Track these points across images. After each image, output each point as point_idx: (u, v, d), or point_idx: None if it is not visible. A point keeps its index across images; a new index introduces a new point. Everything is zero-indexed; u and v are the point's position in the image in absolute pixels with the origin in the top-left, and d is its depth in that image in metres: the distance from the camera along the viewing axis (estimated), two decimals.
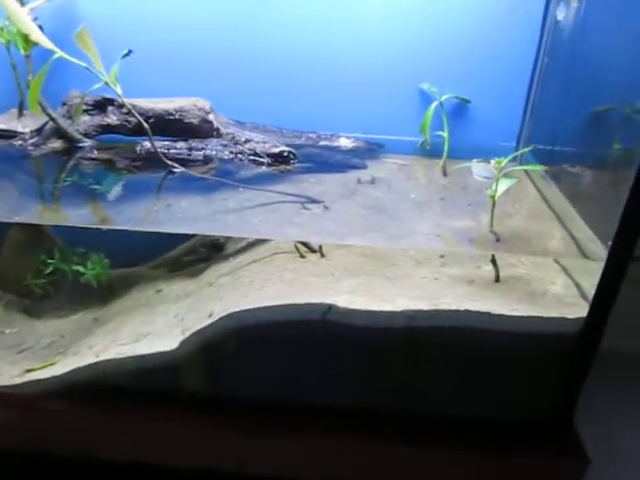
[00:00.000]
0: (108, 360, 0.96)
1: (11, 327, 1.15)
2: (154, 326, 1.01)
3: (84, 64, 0.98)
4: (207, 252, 1.17)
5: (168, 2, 1.18)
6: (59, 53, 0.98)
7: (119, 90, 1.01)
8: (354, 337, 0.87)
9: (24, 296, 1.20)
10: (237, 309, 0.89)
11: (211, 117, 1.17)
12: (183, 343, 0.92)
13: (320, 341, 0.89)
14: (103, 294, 1.19)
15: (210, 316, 0.93)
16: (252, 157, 1.12)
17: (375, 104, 1.23)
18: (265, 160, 1.11)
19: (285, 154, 1.11)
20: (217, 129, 1.17)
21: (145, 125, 1.05)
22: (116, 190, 1.05)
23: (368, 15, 1.17)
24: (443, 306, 0.86)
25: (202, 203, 1.03)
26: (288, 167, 1.12)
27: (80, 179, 1.07)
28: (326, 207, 0.99)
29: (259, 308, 0.88)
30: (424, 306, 0.86)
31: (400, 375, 0.90)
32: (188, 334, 0.93)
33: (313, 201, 1.00)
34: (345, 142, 1.20)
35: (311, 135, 1.22)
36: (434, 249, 1.00)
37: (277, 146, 1.12)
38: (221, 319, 0.89)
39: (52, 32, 1.07)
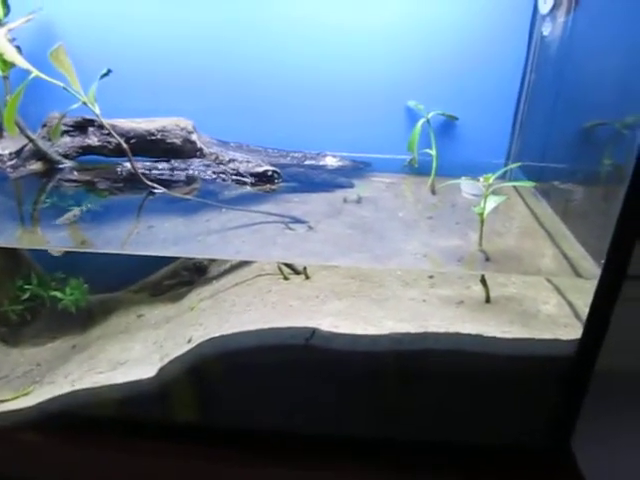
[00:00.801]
0: (83, 389, 0.91)
1: None
2: (132, 353, 0.96)
3: (61, 84, 0.95)
4: (190, 275, 1.13)
5: (148, 22, 1.16)
6: (35, 72, 0.95)
7: (97, 110, 0.98)
8: (339, 362, 0.83)
9: (0, 323, 1.15)
10: (217, 334, 0.85)
11: (194, 137, 1.14)
12: (161, 370, 0.87)
13: (304, 367, 0.84)
14: (82, 320, 1.14)
15: (189, 342, 0.89)
16: (235, 177, 1.09)
17: (361, 122, 1.20)
18: (249, 180, 1.08)
19: (269, 173, 1.07)
20: (200, 149, 1.14)
21: (124, 146, 1.01)
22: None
23: (354, 33, 1.15)
24: (432, 328, 0.82)
25: (184, 224, 0.99)
26: (272, 187, 1.08)
27: (59, 201, 1.04)
28: (310, 227, 0.95)
29: (240, 333, 0.84)
30: (412, 329, 0.82)
31: (387, 401, 0.85)
32: (166, 361, 0.88)
33: (297, 221, 0.97)
34: (331, 161, 1.17)
35: (296, 154, 1.19)
36: (421, 269, 0.97)
37: (261, 165, 1.09)
38: (200, 345, 0.85)
39: (32, 53, 1.05)
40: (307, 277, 0.96)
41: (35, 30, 1.15)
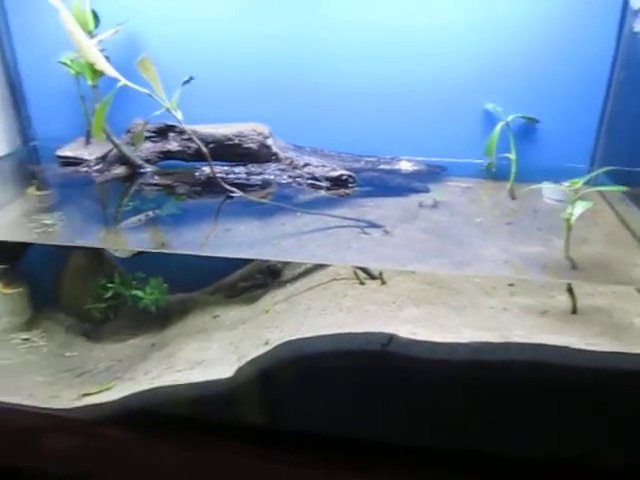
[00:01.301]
0: (162, 387, 0.93)
1: (71, 350, 1.15)
2: (209, 352, 0.97)
3: (147, 91, 0.98)
4: (264, 278, 1.14)
5: (224, 31, 1.18)
6: (123, 81, 0.98)
7: (180, 116, 1.00)
8: (416, 370, 0.80)
9: (85, 320, 1.20)
10: (293, 337, 0.84)
11: (270, 142, 1.14)
12: (238, 371, 0.88)
13: (379, 373, 0.83)
14: (161, 319, 1.17)
15: (266, 344, 0.89)
16: (310, 181, 1.08)
17: (436, 126, 1.18)
18: (324, 184, 1.08)
19: (344, 177, 1.06)
20: (275, 154, 1.15)
21: (204, 149, 1.03)
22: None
23: (430, 34, 1.13)
24: (513, 338, 0.79)
25: (259, 227, 1.00)
26: (347, 191, 1.07)
27: (141, 204, 1.07)
28: (386, 231, 0.94)
29: (316, 337, 0.83)
30: (492, 338, 0.79)
31: (465, 413, 0.82)
32: (243, 362, 0.88)
33: (373, 225, 0.95)
34: (406, 165, 1.15)
35: (370, 159, 1.18)
36: (503, 276, 0.93)
37: (336, 170, 1.08)
38: (277, 347, 0.85)
39: (119, 62, 1.09)
40: (383, 282, 0.95)
41: (121, 41, 1.19)
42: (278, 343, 0.85)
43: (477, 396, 0.81)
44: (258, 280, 1.14)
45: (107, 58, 1.11)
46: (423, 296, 0.91)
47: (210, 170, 1.07)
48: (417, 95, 1.16)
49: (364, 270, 0.97)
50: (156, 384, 0.94)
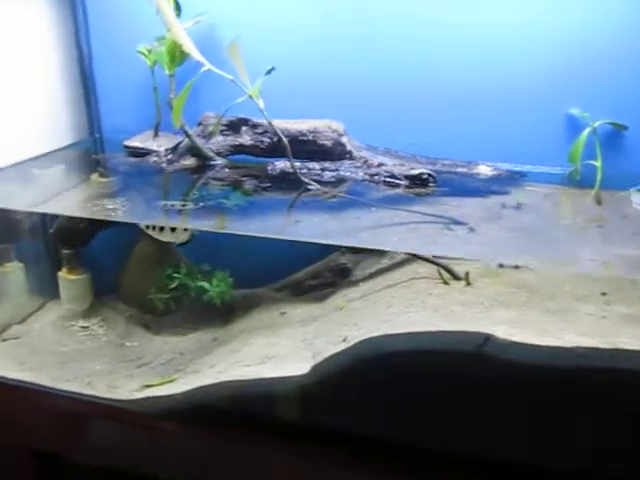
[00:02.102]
0: (230, 381, 0.87)
1: (131, 340, 1.10)
2: (279, 349, 0.92)
3: (230, 77, 0.95)
4: (332, 277, 1.08)
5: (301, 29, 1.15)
6: (207, 65, 0.96)
7: (261, 104, 0.96)
8: (514, 374, 0.73)
9: (145, 311, 1.16)
10: (375, 334, 0.78)
11: (344, 139, 1.10)
12: (315, 368, 0.81)
13: (472, 376, 0.76)
14: (223, 314, 1.12)
15: (344, 341, 0.83)
16: (388, 179, 1.03)
17: (515, 131, 1.12)
18: (402, 182, 1.02)
19: (424, 176, 1.01)
20: (350, 152, 1.10)
21: (285, 141, 0.99)
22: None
23: (510, 35, 1.08)
24: (622, 346, 0.71)
25: (333, 220, 0.95)
26: (426, 190, 1.02)
27: (211, 194, 1.03)
28: (471, 229, 0.88)
29: (402, 334, 0.77)
30: (598, 344, 0.72)
31: (569, 426, 0.75)
32: (320, 359, 0.82)
33: (456, 222, 0.90)
34: (484, 169, 1.09)
35: (446, 162, 1.12)
36: (614, 276, 0.86)
37: (414, 168, 1.03)
38: (358, 344, 0.79)
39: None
40: (468, 283, 0.88)
41: (198, 33, 1.16)
42: (359, 340, 0.79)
43: (582, 406, 0.73)
44: (327, 279, 1.09)
45: None
46: (513, 299, 0.84)
47: (286, 164, 1.03)
48: (498, 99, 1.10)
49: (448, 270, 0.91)
50: (223, 378, 0.88)
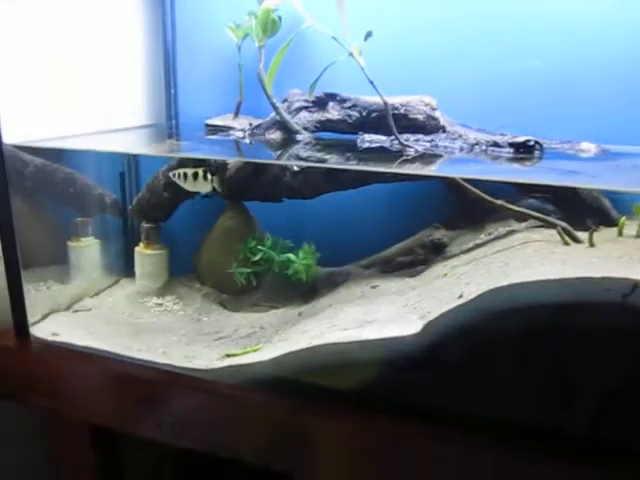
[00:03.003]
0: (327, 344, 0.78)
1: (208, 316, 1.02)
2: (379, 314, 0.83)
3: (331, 33, 0.91)
4: (425, 253, 1.00)
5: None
6: (309, 21, 0.92)
7: (362, 62, 0.92)
8: None
9: (223, 290, 1.08)
10: (503, 284, 0.69)
11: (437, 114, 1.04)
12: (429, 325, 0.72)
13: (614, 333, 0.65)
14: (305, 292, 1.04)
15: (460, 297, 0.73)
16: (491, 147, 0.96)
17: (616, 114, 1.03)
18: (506, 149, 0.95)
19: (530, 143, 0.93)
20: (443, 127, 1.03)
21: (389, 113, 0.93)
22: None
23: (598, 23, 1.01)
24: None
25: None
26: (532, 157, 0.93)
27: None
28: None
29: (536, 282, 0.67)
30: None
31: None
32: (432, 317, 0.73)
33: None
34: (588, 147, 1.01)
35: (545, 140, 1.04)
36: None
37: (518, 137, 0.95)
38: (482, 295, 0.69)
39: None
40: (592, 244, 0.79)
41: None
42: (483, 291, 0.70)
43: None
44: (418, 255, 1.00)
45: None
46: None
47: (379, 137, 0.96)
48: (592, 81, 1.03)
49: (568, 232, 0.82)
50: (317, 342, 0.79)
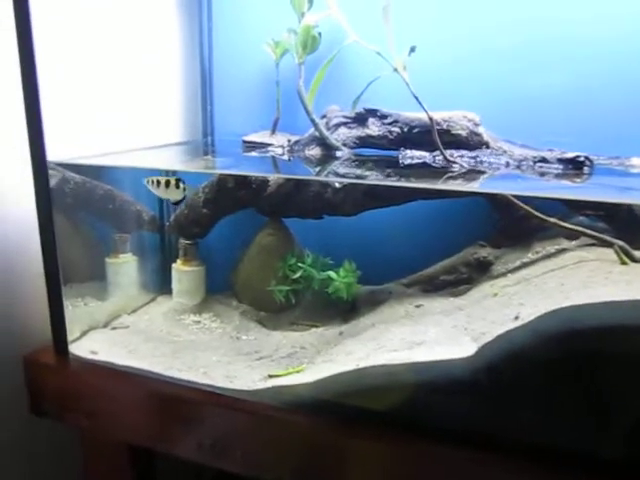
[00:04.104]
0: (376, 366, 0.74)
1: (247, 334, 0.99)
2: (427, 335, 0.79)
3: (376, 48, 0.89)
4: (469, 272, 0.96)
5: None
6: (353, 37, 0.90)
7: (407, 77, 0.89)
8: None
9: (260, 308, 1.06)
10: (565, 304, 0.65)
11: (480, 129, 1.01)
12: (485, 348, 0.68)
13: None
14: (344, 311, 1.00)
15: (517, 319, 0.70)
16: (539, 163, 0.92)
17: None
18: (555, 166, 0.91)
19: (580, 159, 0.89)
20: (487, 143, 1.00)
21: (430, 116, 0.90)
22: None
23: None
24: None
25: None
26: (583, 174, 0.90)
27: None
28: None
29: (603, 304, 0.63)
30: None
31: None
32: (487, 339, 0.69)
33: None
34: (638, 162, 0.97)
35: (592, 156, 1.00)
36: None
37: (566, 152, 0.92)
38: (543, 317, 0.65)
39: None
40: None
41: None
42: (542, 312, 0.66)
43: None
44: (463, 274, 0.96)
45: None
46: None
47: (421, 153, 0.94)
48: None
49: (625, 251, 0.77)
50: (364, 364, 0.76)
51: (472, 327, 0.76)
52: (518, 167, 0.92)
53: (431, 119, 0.92)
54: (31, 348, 0.92)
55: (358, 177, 0.93)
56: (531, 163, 0.93)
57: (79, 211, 1.04)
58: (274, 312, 1.04)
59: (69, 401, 0.90)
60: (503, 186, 0.93)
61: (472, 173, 0.90)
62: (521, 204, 0.90)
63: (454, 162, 0.90)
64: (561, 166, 0.91)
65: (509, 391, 0.69)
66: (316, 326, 0.99)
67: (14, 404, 0.93)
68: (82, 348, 0.92)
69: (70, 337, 0.93)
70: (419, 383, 0.72)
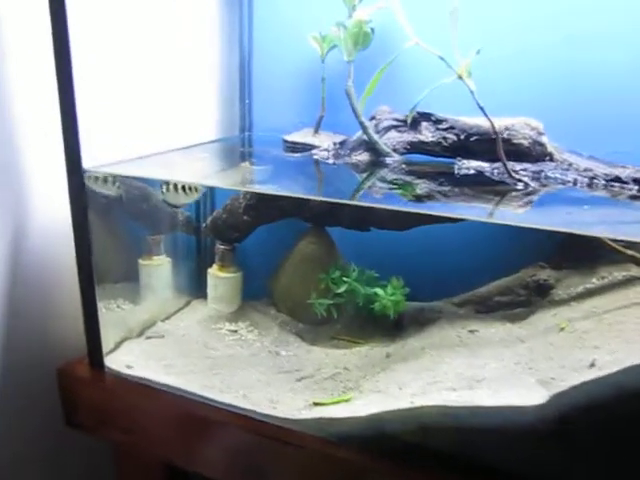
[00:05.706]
0: (434, 406, 0.68)
1: (287, 349, 0.94)
2: (487, 371, 0.73)
3: (439, 53, 0.80)
4: (527, 295, 0.89)
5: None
6: (414, 40, 0.81)
7: (472, 85, 0.81)
8: None
9: (299, 319, 1.00)
10: None
11: (544, 139, 0.92)
12: (557, 397, 0.62)
13: None
14: (388, 328, 0.94)
15: (592, 366, 0.63)
16: (611, 182, 0.84)
17: None
18: (629, 186, 0.83)
19: None
20: (550, 154, 0.92)
21: (494, 126, 0.82)
22: None
23: None
24: None
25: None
26: None
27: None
28: None
29: None
30: None
31: None
32: (559, 386, 0.63)
33: None
34: None
35: None
36: None
37: None
38: (626, 371, 0.58)
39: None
40: None
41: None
42: (628, 365, 0.59)
43: None
44: (519, 296, 0.89)
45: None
46: None
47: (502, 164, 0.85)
48: None
49: None
50: (419, 403, 0.70)
51: (538, 367, 0.70)
52: (589, 186, 0.84)
53: (495, 131, 0.84)
54: (64, 360, 0.88)
55: (414, 198, 0.85)
56: (603, 182, 0.85)
57: (113, 210, 0.98)
58: (313, 324, 0.98)
59: (105, 415, 0.86)
60: (592, 220, 0.76)
61: (540, 193, 0.82)
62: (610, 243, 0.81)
63: (519, 180, 0.82)
64: (636, 187, 0.82)
65: (582, 447, 0.62)
66: (358, 343, 0.93)
67: (48, 417, 0.89)
68: (117, 362, 0.88)
69: (105, 348, 0.88)
70: (481, 427, 0.66)
